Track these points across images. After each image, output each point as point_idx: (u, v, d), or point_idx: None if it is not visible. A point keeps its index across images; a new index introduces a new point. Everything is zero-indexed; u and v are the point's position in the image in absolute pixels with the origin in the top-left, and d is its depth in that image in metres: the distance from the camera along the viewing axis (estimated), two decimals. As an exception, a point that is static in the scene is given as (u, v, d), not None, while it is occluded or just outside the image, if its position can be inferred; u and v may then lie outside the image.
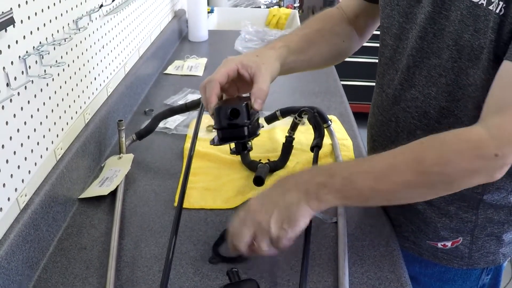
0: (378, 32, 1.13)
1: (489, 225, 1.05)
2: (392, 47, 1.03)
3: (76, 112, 1.22)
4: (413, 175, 0.82)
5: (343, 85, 1.92)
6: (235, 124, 0.90)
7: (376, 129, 1.13)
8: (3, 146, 0.89)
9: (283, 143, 1.28)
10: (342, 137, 1.45)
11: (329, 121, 1.37)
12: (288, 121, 1.34)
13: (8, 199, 0.92)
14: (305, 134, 1.41)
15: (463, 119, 0.92)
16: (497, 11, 0.80)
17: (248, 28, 2.46)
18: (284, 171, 1.25)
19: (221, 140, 0.94)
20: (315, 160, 1.10)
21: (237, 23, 2.64)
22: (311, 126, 1.26)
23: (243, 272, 0.94)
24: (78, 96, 1.23)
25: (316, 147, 1.11)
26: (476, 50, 0.85)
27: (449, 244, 1.08)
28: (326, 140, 1.37)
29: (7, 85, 0.89)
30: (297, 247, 0.99)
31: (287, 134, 1.27)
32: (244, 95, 1.00)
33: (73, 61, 1.20)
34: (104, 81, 1.43)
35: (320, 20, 1.18)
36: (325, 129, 1.33)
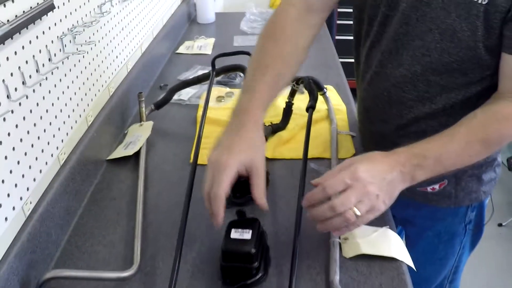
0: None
1: (470, 167, 1.19)
2: (378, 32, 1.15)
3: (102, 86, 1.41)
4: (482, 146, 1.00)
5: (342, 62, 2.08)
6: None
7: (369, 102, 1.26)
8: (51, 106, 1.07)
9: (284, 108, 1.45)
10: (337, 103, 1.61)
11: (325, 89, 1.54)
12: (288, 91, 1.50)
13: (40, 170, 1.10)
14: (303, 101, 1.57)
15: (449, 86, 1.08)
16: (480, 0, 0.95)
17: (253, 9, 2.62)
18: (286, 132, 1.43)
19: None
20: (310, 119, 1.26)
21: (243, 5, 2.78)
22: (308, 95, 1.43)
23: (249, 212, 1.10)
24: (104, 72, 1.42)
25: (310, 108, 1.28)
26: (459, 33, 1.00)
27: (437, 186, 1.23)
28: (323, 106, 1.55)
29: (49, 60, 1.07)
30: (294, 197, 1.14)
31: (287, 100, 1.45)
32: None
33: (99, 41, 1.38)
34: (124, 59, 1.61)
35: (278, 40, 1.13)
36: (321, 95, 1.50)
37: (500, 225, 2.91)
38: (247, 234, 0.94)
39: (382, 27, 1.13)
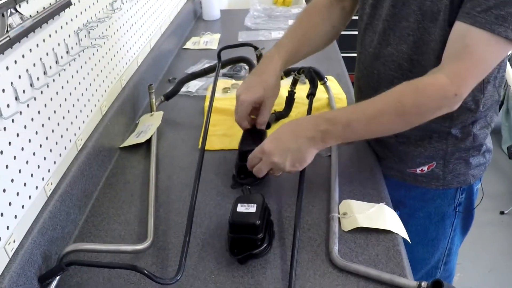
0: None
1: (457, 150, 1.27)
2: (370, 14, 1.26)
3: (115, 78, 1.49)
4: (396, 115, 1.08)
5: (344, 56, 2.14)
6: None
7: (362, 81, 1.36)
8: (60, 91, 1.16)
9: (286, 96, 1.53)
10: (338, 92, 1.69)
11: (325, 78, 1.61)
12: (290, 81, 1.58)
13: (60, 154, 1.19)
14: (305, 91, 1.65)
15: (428, 68, 1.15)
16: None
17: (257, 6, 2.70)
18: (288, 119, 1.51)
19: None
20: (310, 106, 1.34)
21: (247, 2, 2.87)
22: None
23: (254, 190, 1.17)
24: (116, 65, 1.50)
25: (311, 95, 1.35)
26: (435, 13, 1.09)
27: (425, 168, 1.30)
28: (324, 95, 1.62)
29: (67, 52, 1.16)
30: (296, 174, 1.22)
31: (289, 89, 1.52)
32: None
33: (111, 36, 1.46)
34: (134, 53, 1.69)
35: (311, 14, 1.40)
36: (322, 85, 1.58)
37: (502, 213, 2.97)
38: (252, 208, 1.02)
39: (374, 10, 1.23)
